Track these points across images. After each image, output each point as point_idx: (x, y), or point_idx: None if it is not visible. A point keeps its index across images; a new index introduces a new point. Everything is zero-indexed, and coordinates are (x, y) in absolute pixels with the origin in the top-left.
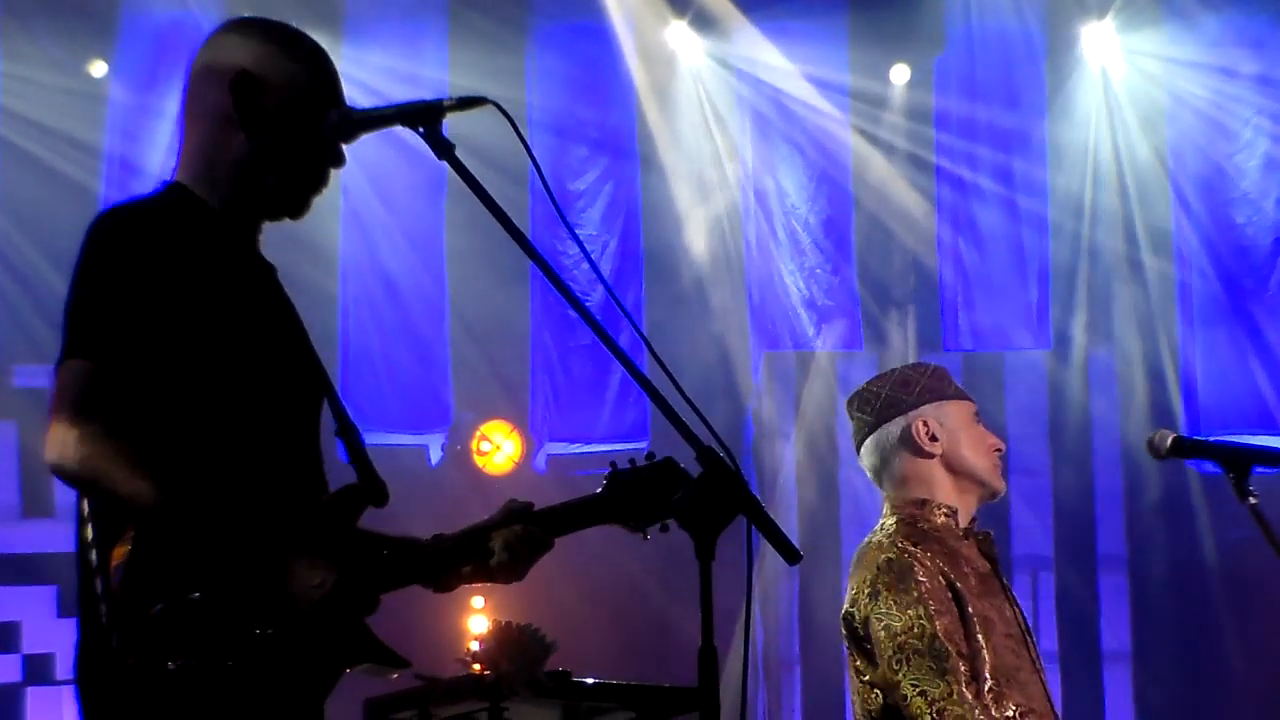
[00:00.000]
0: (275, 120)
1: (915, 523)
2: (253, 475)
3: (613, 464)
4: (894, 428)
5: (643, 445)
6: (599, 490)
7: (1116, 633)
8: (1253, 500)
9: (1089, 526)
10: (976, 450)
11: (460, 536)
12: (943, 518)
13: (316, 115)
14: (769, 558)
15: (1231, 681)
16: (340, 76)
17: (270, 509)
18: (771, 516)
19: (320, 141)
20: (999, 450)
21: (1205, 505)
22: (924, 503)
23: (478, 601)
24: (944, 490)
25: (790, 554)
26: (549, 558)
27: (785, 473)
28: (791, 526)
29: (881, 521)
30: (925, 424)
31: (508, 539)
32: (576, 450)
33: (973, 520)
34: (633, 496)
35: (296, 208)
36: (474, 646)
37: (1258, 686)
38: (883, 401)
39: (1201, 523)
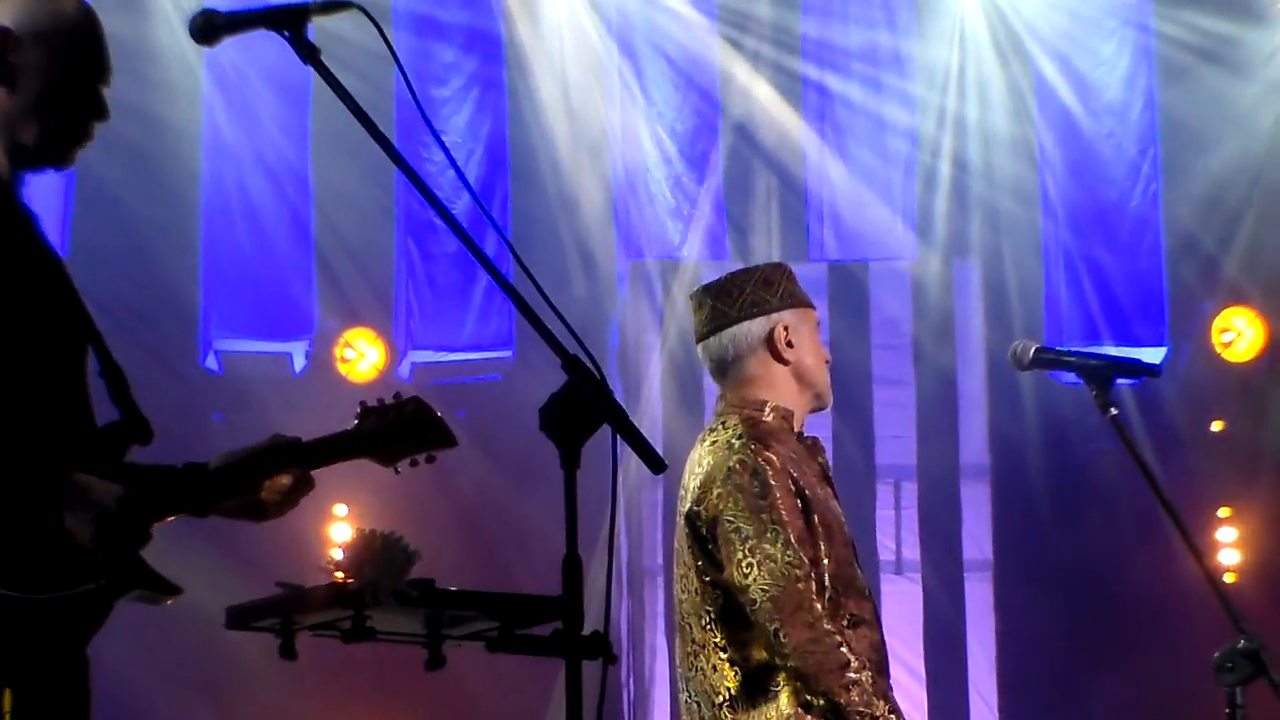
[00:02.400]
0: (35, 74)
1: (756, 423)
2: (17, 417)
3: (362, 402)
4: (756, 327)
5: (508, 354)
6: (351, 426)
7: (978, 542)
8: (1114, 411)
9: (951, 437)
10: (819, 362)
11: (229, 471)
12: (779, 420)
13: (77, 70)
14: (634, 467)
15: (1090, 591)
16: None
17: (38, 448)
18: (636, 425)
19: (81, 94)
20: (829, 363)
21: (1067, 416)
22: (763, 403)
23: (340, 510)
24: (786, 395)
25: (655, 463)
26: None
27: (650, 382)
28: (656, 436)
29: (722, 419)
30: (785, 329)
31: (276, 485)
32: (441, 358)
33: (803, 426)
34: (382, 433)
35: (58, 159)
36: (337, 555)
37: (1116, 596)
38: (745, 298)
39: (1063, 433)
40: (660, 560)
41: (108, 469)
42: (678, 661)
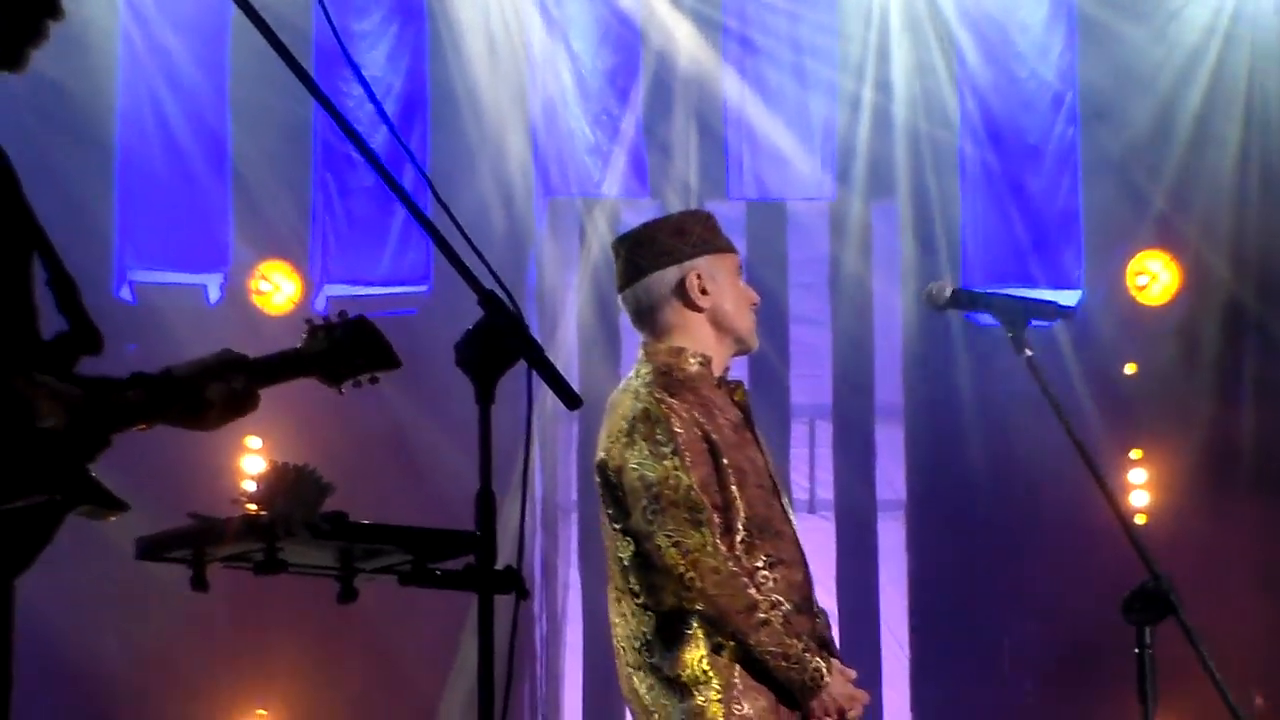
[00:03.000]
0: None
1: (670, 371)
2: None
3: (309, 320)
4: (668, 275)
5: (424, 289)
6: (298, 345)
7: (892, 482)
8: (1029, 353)
9: (867, 377)
10: (739, 306)
11: (175, 381)
12: (697, 366)
13: None
14: (549, 402)
15: (1002, 531)
16: None
17: None
18: (552, 361)
19: None
20: (756, 305)
21: (981, 357)
22: (680, 351)
23: (254, 442)
24: (704, 341)
25: (570, 399)
26: (328, 399)
27: (567, 318)
28: (572, 372)
29: (636, 369)
30: (699, 276)
31: (224, 392)
32: (357, 292)
33: (726, 370)
34: (329, 351)
35: (11, 61)
36: (249, 487)
37: (1028, 537)
38: (658, 247)
39: (977, 374)
40: (574, 496)
41: (56, 377)
42: (608, 606)
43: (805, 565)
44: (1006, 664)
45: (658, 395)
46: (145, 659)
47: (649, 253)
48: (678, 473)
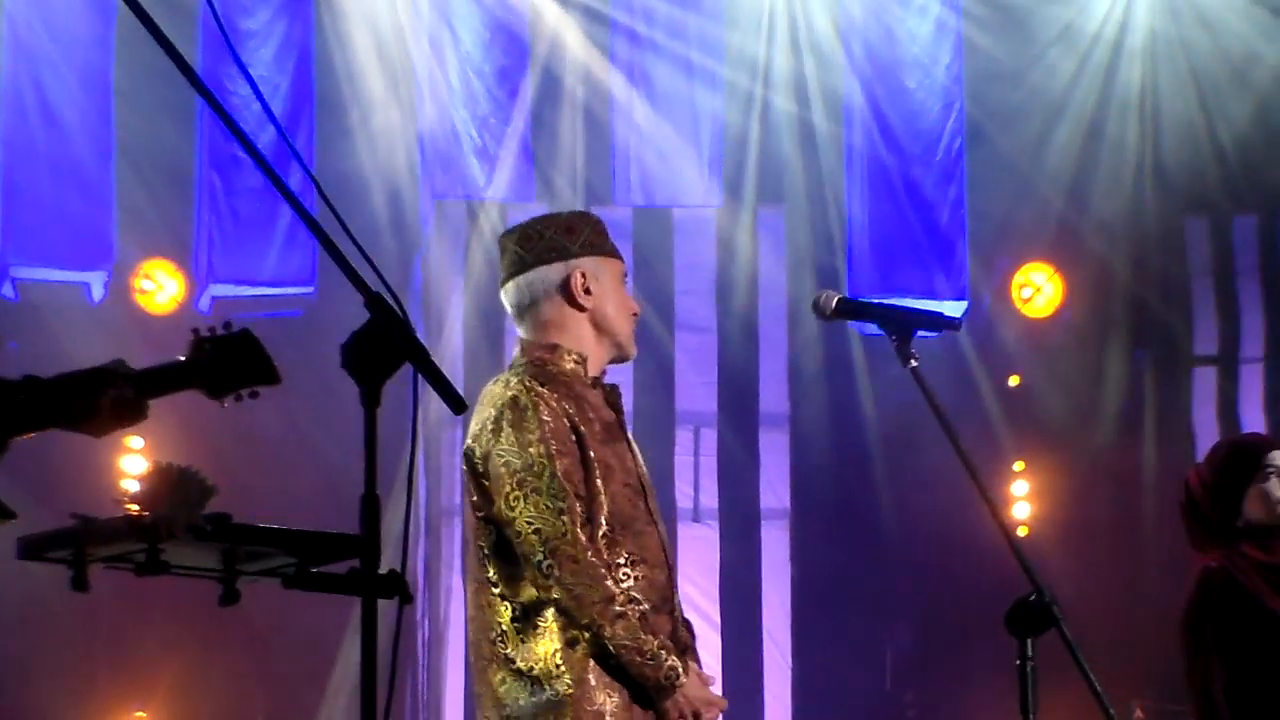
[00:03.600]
0: None
1: (544, 365)
2: None
3: (195, 330)
4: (553, 273)
5: (309, 290)
6: (182, 356)
7: (776, 491)
8: (914, 363)
9: (752, 385)
10: (620, 312)
11: (64, 385)
12: (572, 364)
13: None
14: (434, 406)
15: (885, 542)
16: None
17: None
18: (438, 365)
19: None
20: (636, 315)
21: (867, 367)
22: (555, 348)
23: (135, 442)
24: (582, 341)
25: (455, 403)
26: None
27: (453, 322)
28: (457, 375)
29: (514, 359)
30: (583, 276)
31: (114, 399)
32: (242, 293)
33: (603, 373)
34: (214, 364)
35: None
36: (131, 487)
37: (911, 547)
38: (545, 243)
39: (863, 384)
40: (459, 500)
41: None
42: (467, 600)
43: (669, 568)
44: (888, 674)
45: (528, 384)
46: (24, 660)
47: (536, 248)
48: (542, 460)
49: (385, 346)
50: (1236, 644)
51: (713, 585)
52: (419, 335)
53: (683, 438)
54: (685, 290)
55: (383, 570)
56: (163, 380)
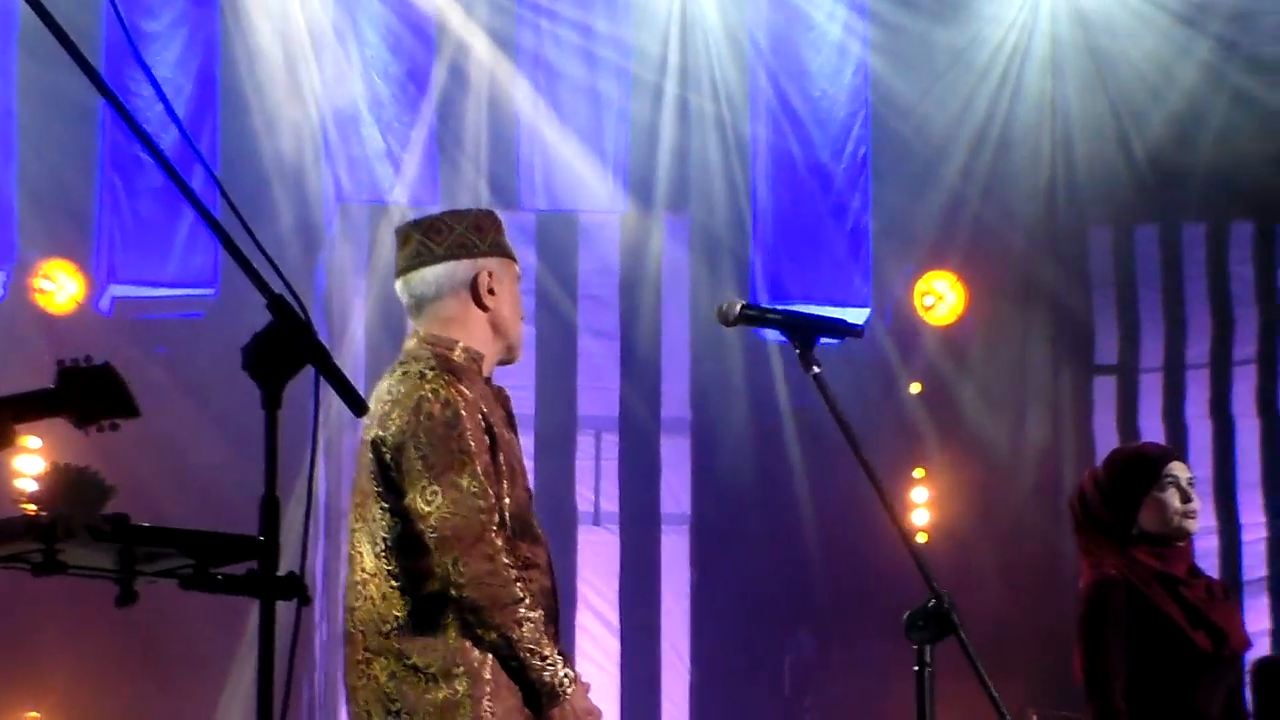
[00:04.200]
0: None
1: (448, 360)
2: None
3: (60, 361)
4: (462, 270)
5: (211, 292)
6: (52, 385)
7: (676, 496)
8: (816, 370)
9: (654, 390)
10: (515, 315)
11: None
12: (469, 361)
13: None
14: (335, 409)
15: (786, 548)
16: None
17: None
18: (339, 367)
19: None
20: (523, 318)
21: (772, 372)
22: (455, 344)
23: (33, 442)
24: (480, 340)
25: (357, 406)
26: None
27: (355, 324)
28: (359, 378)
29: (413, 354)
30: (489, 276)
31: None
32: (143, 293)
33: (492, 373)
34: (79, 396)
35: None
36: (28, 487)
37: (812, 554)
38: (455, 239)
39: (765, 390)
40: None
41: None
42: (345, 590)
43: (553, 575)
44: (787, 680)
45: (446, 379)
46: None
47: (445, 242)
48: (463, 456)
49: (287, 348)
50: (1136, 651)
51: (612, 589)
52: (321, 337)
53: (584, 442)
54: (589, 295)
55: (281, 572)
56: (30, 408)
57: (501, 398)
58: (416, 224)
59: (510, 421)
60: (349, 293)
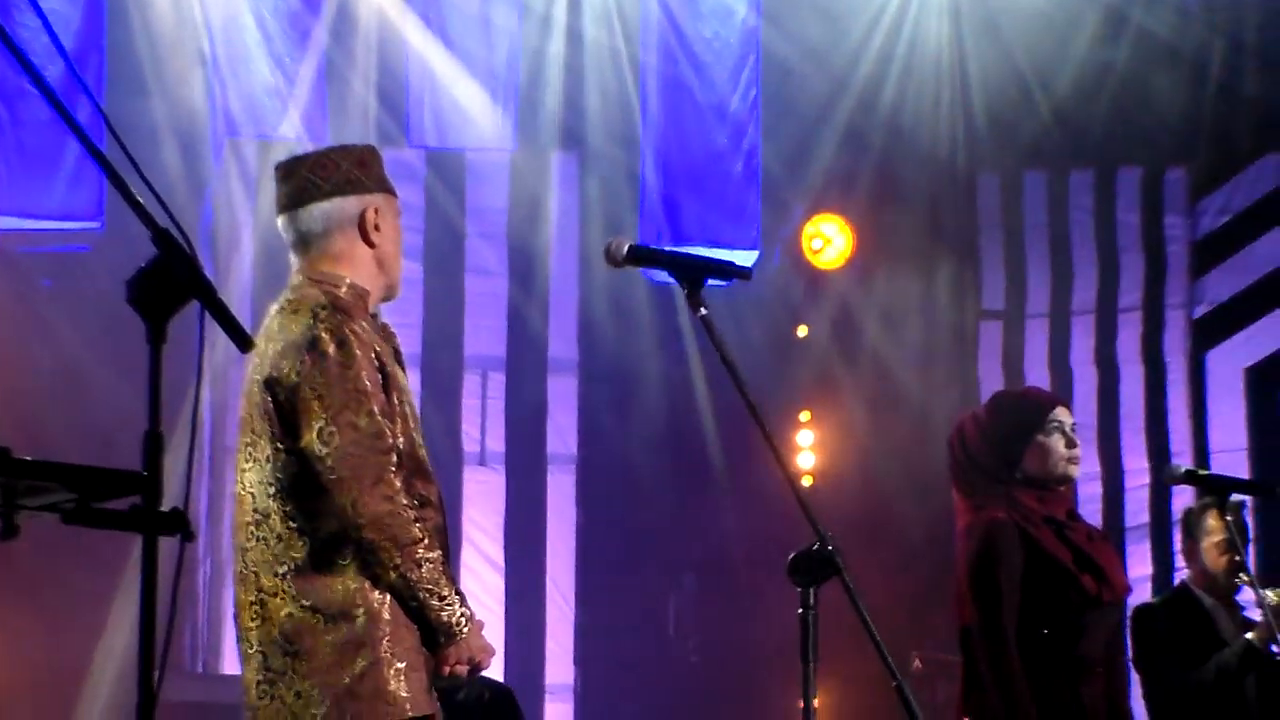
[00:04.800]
0: None
1: (336, 298)
2: None
3: None
4: (350, 206)
5: (97, 225)
6: None
7: (563, 436)
8: (704, 311)
9: (542, 330)
10: (398, 251)
11: None
12: (354, 298)
13: None
14: (221, 344)
15: (672, 490)
16: None
17: None
18: (225, 303)
19: None
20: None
21: (657, 314)
22: (342, 279)
23: None
24: (365, 276)
25: (243, 341)
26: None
27: (241, 260)
28: (245, 314)
29: (300, 292)
30: (376, 212)
31: None
32: (27, 226)
33: (377, 310)
34: None
35: None
36: None
37: (699, 495)
38: (341, 174)
39: (652, 331)
40: None
41: None
42: (234, 531)
43: (445, 512)
44: (671, 621)
45: (338, 319)
46: None
47: (331, 178)
48: (359, 395)
49: (172, 283)
50: (1025, 594)
51: (498, 530)
52: (207, 273)
53: (470, 381)
54: (476, 234)
55: (165, 507)
56: None
57: (388, 334)
58: (301, 159)
59: (398, 359)
60: (236, 228)
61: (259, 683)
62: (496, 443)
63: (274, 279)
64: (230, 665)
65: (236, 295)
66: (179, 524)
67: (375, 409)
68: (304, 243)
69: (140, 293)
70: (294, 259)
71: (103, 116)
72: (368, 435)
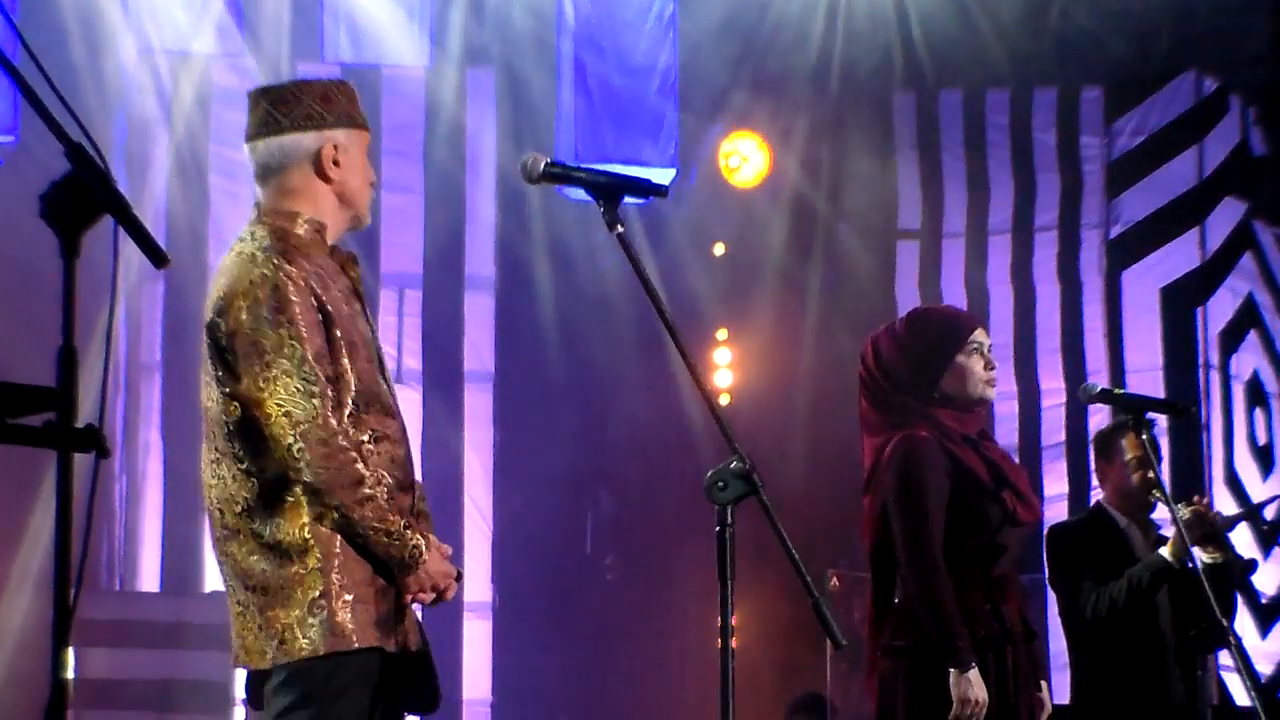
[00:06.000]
0: None
1: (285, 236)
2: None
3: None
4: (307, 141)
5: (10, 140)
6: None
7: (480, 354)
8: (620, 229)
9: (458, 247)
10: (364, 185)
11: None
12: (313, 234)
13: None
14: (135, 260)
15: (590, 406)
16: None
17: None
18: (140, 218)
19: None
20: (374, 185)
21: (573, 232)
22: (295, 215)
23: None
24: (324, 211)
25: (157, 257)
26: None
27: (156, 175)
28: (160, 230)
29: (251, 230)
30: (335, 148)
31: None
32: None
33: (340, 240)
34: None
35: None
36: None
37: (616, 412)
38: (302, 109)
39: (569, 249)
40: (159, 356)
41: None
42: (203, 467)
43: (407, 441)
44: (589, 538)
45: (276, 262)
46: None
47: (292, 112)
48: (293, 342)
49: (85, 197)
50: (949, 512)
51: (414, 447)
52: (121, 188)
53: (387, 299)
54: (392, 151)
55: (80, 424)
56: None
57: (347, 264)
58: (266, 91)
59: (356, 290)
60: (150, 143)
61: (235, 615)
62: (413, 360)
63: (188, 193)
64: (146, 582)
65: (151, 210)
66: (93, 440)
67: (309, 353)
68: (263, 175)
69: (53, 207)
70: (257, 189)
71: (15, 30)
72: (301, 379)
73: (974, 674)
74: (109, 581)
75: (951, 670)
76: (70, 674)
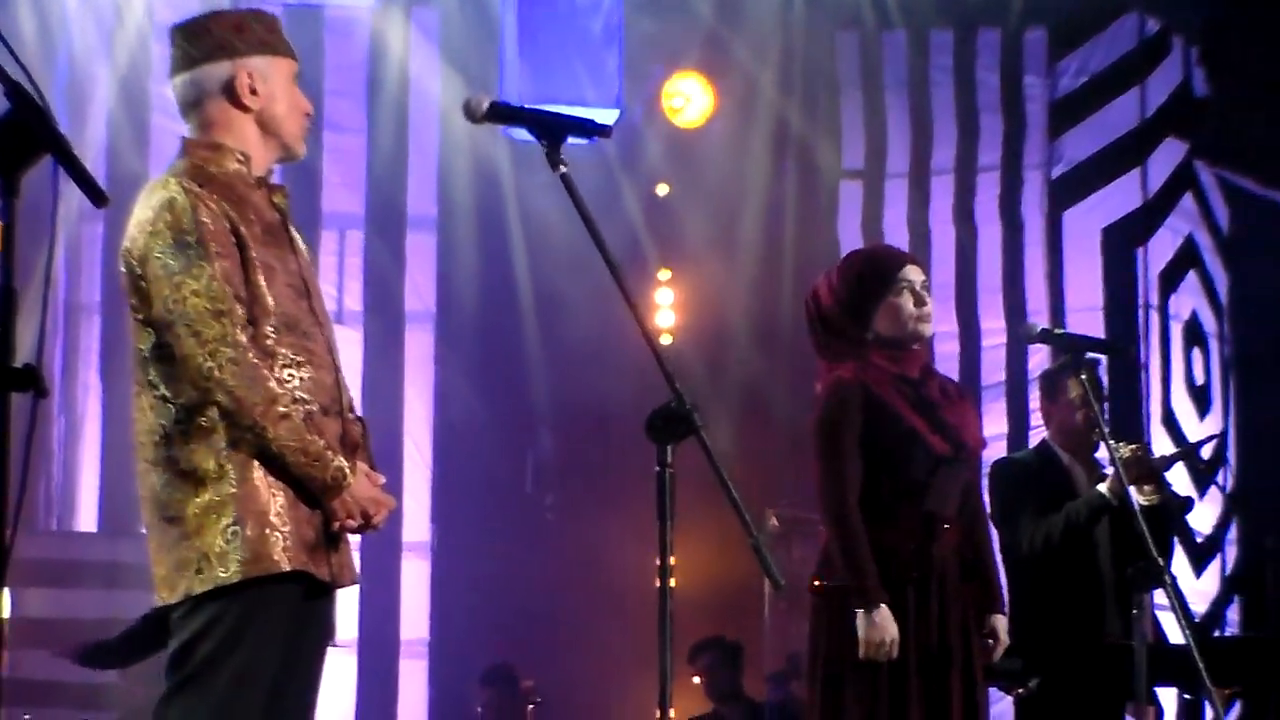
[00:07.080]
0: None
1: (205, 166)
2: None
3: None
4: (219, 71)
5: None
6: None
7: (421, 295)
8: (564, 169)
9: (401, 187)
10: (291, 113)
11: None
12: (235, 164)
13: None
14: (75, 200)
15: (531, 348)
16: None
17: None
18: (79, 158)
19: None
20: (309, 115)
21: (516, 172)
22: (219, 147)
23: None
24: (246, 141)
25: (97, 197)
26: None
27: (97, 114)
28: (100, 169)
29: (173, 163)
30: (250, 76)
31: None
32: None
33: (269, 173)
34: None
35: None
36: None
37: (555, 351)
38: (213, 40)
39: (512, 190)
40: (98, 297)
41: None
42: (131, 401)
43: (337, 369)
44: (529, 477)
45: (185, 184)
46: None
47: (202, 44)
48: (201, 262)
49: (24, 136)
50: (870, 453)
51: (355, 388)
52: (62, 126)
53: (328, 239)
54: (334, 90)
55: (18, 364)
56: None
57: (275, 198)
58: (180, 28)
59: (284, 222)
60: (91, 81)
61: (153, 550)
62: (354, 301)
63: (130, 132)
64: (83, 523)
65: (92, 150)
66: (31, 380)
67: (217, 271)
68: (184, 112)
69: None
70: (185, 126)
71: None
72: (208, 299)
73: (882, 614)
74: (46, 521)
75: (859, 611)
76: (6, 613)
